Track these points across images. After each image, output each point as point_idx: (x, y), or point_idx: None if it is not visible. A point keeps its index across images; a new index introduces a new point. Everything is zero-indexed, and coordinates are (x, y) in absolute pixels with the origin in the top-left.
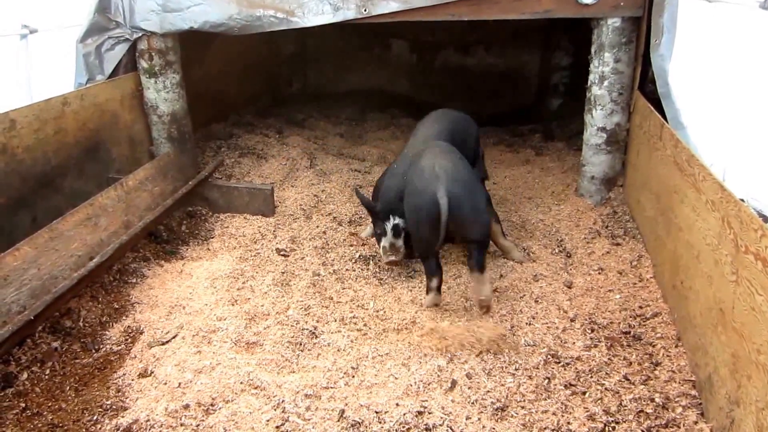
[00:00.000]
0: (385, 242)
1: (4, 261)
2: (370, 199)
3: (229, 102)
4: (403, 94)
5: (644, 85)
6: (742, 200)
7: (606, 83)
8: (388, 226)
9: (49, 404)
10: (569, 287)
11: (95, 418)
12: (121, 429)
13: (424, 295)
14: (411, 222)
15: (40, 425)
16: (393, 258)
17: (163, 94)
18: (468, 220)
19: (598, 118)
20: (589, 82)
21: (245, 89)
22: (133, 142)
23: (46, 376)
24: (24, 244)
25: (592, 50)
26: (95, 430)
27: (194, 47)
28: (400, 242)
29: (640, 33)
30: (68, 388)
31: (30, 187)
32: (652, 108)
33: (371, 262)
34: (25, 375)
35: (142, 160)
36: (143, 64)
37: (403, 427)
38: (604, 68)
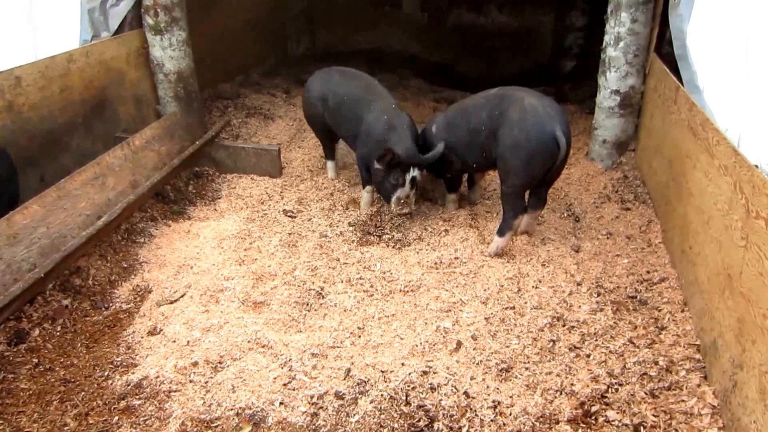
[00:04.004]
0: (401, 193)
1: (14, 219)
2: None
3: (236, 61)
4: (413, 54)
5: (661, 46)
6: (757, 166)
7: (621, 44)
8: (408, 177)
9: (61, 360)
10: (577, 251)
11: (106, 373)
12: (131, 385)
13: (493, 237)
14: (517, 158)
15: (52, 380)
16: (406, 210)
17: (169, 52)
18: (566, 158)
19: (612, 80)
20: (604, 43)
21: (252, 48)
22: (139, 100)
23: (58, 333)
24: (33, 203)
25: (609, 10)
26: (106, 385)
27: (201, 4)
28: (413, 195)
29: None
30: (79, 344)
31: (37, 145)
32: (667, 70)
33: (378, 224)
34: (37, 331)
35: (148, 119)
36: (149, 20)
37: (409, 386)
38: (620, 29)
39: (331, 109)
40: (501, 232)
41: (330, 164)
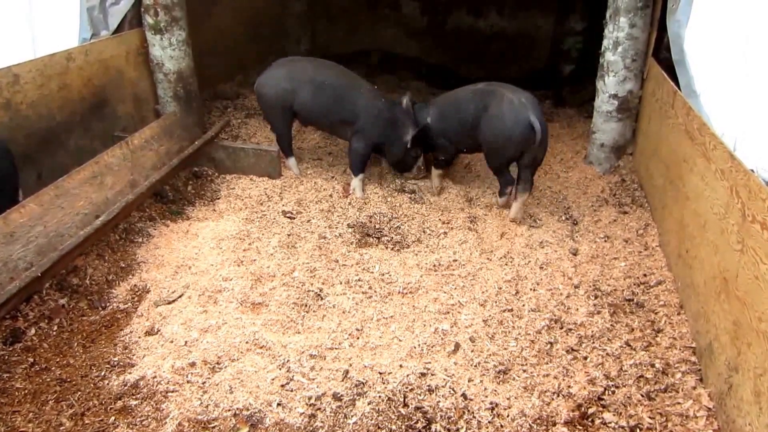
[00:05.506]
0: (420, 162)
1: (11, 217)
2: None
3: (235, 61)
4: (412, 56)
5: (659, 51)
6: (753, 170)
7: (620, 49)
8: (419, 149)
9: (57, 360)
10: (575, 254)
11: (103, 373)
12: (128, 385)
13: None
14: (496, 143)
15: (48, 380)
16: (423, 174)
17: (168, 52)
18: (544, 144)
19: (611, 84)
20: (602, 48)
21: (253, 48)
22: (138, 100)
23: (54, 332)
24: (30, 201)
25: (607, 14)
26: (103, 385)
27: (201, 4)
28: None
29: None
30: (76, 344)
31: (35, 143)
32: (665, 75)
33: (377, 225)
34: (33, 331)
35: (147, 119)
36: (149, 19)
37: (407, 387)
38: (619, 33)
39: (302, 101)
40: (501, 194)
41: (293, 161)
